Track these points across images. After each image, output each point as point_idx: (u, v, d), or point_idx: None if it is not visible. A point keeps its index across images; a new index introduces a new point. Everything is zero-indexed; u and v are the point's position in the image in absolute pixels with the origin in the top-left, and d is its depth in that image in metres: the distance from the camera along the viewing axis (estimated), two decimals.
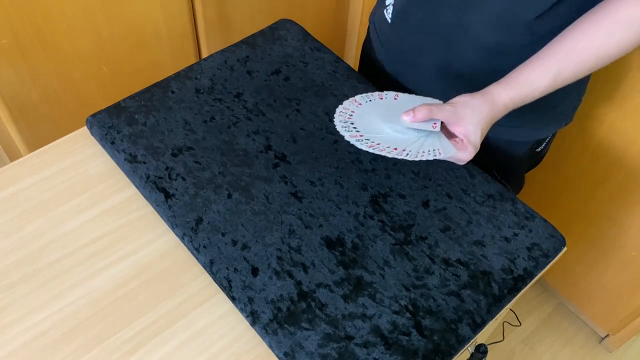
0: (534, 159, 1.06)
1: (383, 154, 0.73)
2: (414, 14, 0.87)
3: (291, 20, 1.05)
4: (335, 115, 0.80)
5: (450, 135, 0.75)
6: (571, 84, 0.91)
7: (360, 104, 0.81)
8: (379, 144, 0.75)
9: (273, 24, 1.04)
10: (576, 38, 0.72)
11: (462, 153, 0.73)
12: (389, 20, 0.92)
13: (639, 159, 1.20)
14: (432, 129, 0.74)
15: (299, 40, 1.02)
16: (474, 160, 0.89)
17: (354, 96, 0.82)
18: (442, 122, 0.75)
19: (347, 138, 0.76)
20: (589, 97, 1.21)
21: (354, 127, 0.78)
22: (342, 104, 0.81)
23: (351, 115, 0.80)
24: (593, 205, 1.36)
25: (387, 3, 0.93)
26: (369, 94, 0.83)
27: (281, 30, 1.03)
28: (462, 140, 0.73)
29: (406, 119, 0.74)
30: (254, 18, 1.48)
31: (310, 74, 0.96)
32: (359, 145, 0.74)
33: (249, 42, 1.01)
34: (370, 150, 0.74)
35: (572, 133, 1.29)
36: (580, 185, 1.35)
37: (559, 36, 0.73)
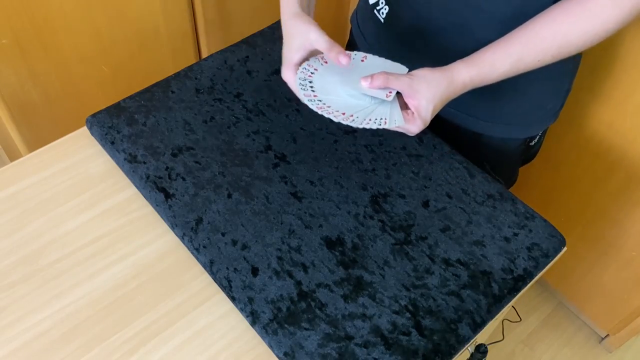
0: (528, 153, 1.06)
1: (330, 117, 0.73)
2: (408, 12, 0.87)
3: None
4: (298, 71, 0.78)
5: (404, 106, 0.75)
6: (557, 82, 0.91)
7: (326, 62, 0.80)
8: (329, 106, 0.74)
9: (273, 24, 1.04)
10: (542, 24, 0.72)
11: (411, 125, 0.74)
12: (382, 20, 0.92)
13: (639, 159, 1.20)
14: (385, 98, 0.75)
15: None
16: (466, 154, 0.89)
17: None
18: (398, 92, 0.75)
19: (300, 96, 0.75)
20: (589, 97, 1.21)
21: (311, 86, 0.77)
22: (308, 60, 0.79)
23: (313, 73, 0.78)
24: (593, 205, 1.36)
25: (376, 2, 0.92)
26: (352, 53, 0.81)
27: (281, 30, 1.03)
28: (412, 113, 0.74)
29: (364, 84, 0.74)
30: (254, 18, 1.48)
31: None
32: (310, 105, 0.74)
33: (249, 42, 1.01)
34: (319, 112, 0.74)
35: (573, 133, 1.29)
36: (580, 185, 1.35)
37: (527, 21, 0.74)
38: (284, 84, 0.84)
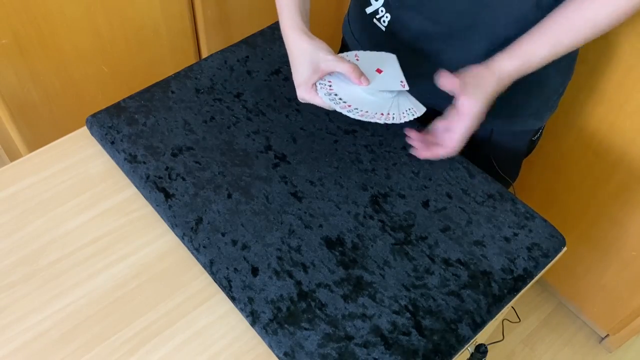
0: (531, 147, 1.07)
1: (374, 120, 0.78)
2: (415, 18, 0.87)
3: None
4: (317, 89, 0.80)
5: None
6: (561, 69, 0.92)
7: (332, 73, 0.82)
8: (367, 111, 0.78)
9: (273, 24, 1.04)
10: (573, 8, 0.74)
11: (463, 124, 0.78)
12: (383, 29, 0.92)
13: (639, 159, 1.20)
14: (401, 88, 0.80)
15: None
16: (476, 154, 0.89)
17: None
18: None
19: (338, 110, 0.78)
20: (590, 97, 1.21)
21: (340, 98, 0.79)
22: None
23: (331, 86, 0.81)
24: (593, 205, 1.36)
25: (375, 11, 0.92)
26: (345, 54, 0.85)
27: (281, 30, 1.03)
28: (458, 111, 0.78)
29: (446, 85, 0.78)
30: (254, 18, 1.48)
31: None
32: (351, 115, 0.78)
33: (249, 42, 1.01)
34: (362, 119, 0.78)
35: (573, 133, 1.29)
36: (580, 185, 1.35)
37: (558, 7, 0.75)
38: (284, 84, 0.84)
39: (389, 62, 0.84)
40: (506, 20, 0.79)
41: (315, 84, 0.79)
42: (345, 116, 0.90)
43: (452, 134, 0.81)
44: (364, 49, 0.99)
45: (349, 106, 0.78)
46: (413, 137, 0.87)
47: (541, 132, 1.04)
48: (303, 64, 0.77)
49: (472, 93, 0.76)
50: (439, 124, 0.84)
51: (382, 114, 0.78)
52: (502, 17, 0.80)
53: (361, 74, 0.77)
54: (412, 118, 0.78)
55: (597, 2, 0.73)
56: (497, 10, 0.79)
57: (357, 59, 0.84)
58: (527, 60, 0.77)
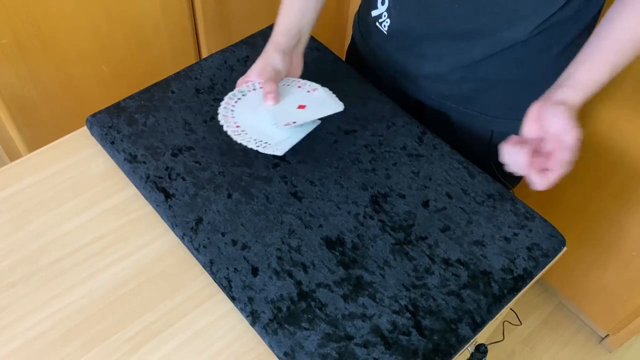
0: None
1: (229, 131, 0.81)
2: (416, 23, 0.87)
3: None
4: (220, 116, 0.83)
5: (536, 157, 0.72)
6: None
7: (239, 99, 0.85)
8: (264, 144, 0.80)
9: (273, 24, 1.04)
10: (623, 30, 0.72)
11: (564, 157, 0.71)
12: (385, 32, 0.92)
13: (639, 159, 1.20)
14: (275, 125, 0.82)
15: None
16: (475, 158, 0.89)
17: (327, 93, 0.86)
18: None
19: (221, 116, 0.82)
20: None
21: (233, 116, 0.83)
22: (223, 100, 0.85)
23: (237, 100, 0.85)
24: (593, 205, 1.36)
25: (379, 15, 0.92)
26: (253, 83, 0.86)
27: None
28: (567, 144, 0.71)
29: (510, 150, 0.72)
30: (254, 18, 1.48)
31: (310, 74, 0.96)
32: (223, 123, 0.82)
33: (249, 42, 1.01)
34: (222, 123, 0.81)
35: None
36: (581, 185, 1.35)
37: (601, 27, 0.73)
38: None
39: (299, 94, 0.85)
40: (508, 25, 0.79)
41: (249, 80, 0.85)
42: (345, 116, 0.90)
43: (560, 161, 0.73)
44: (370, 48, 0.99)
45: (238, 126, 0.82)
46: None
47: None
48: (258, 61, 0.85)
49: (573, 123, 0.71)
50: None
51: (238, 127, 0.81)
52: (503, 22, 0.79)
53: (271, 94, 0.82)
54: (256, 148, 0.79)
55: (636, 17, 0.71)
56: (498, 15, 0.79)
57: (312, 92, 0.86)
58: (589, 90, 0.73)
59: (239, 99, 0.84)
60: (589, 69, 0.73)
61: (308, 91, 0.85)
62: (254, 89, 0.85)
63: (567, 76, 0.74)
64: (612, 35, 0.73)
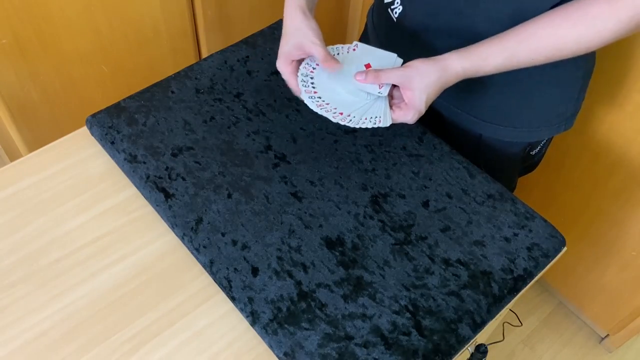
0: (528, 162, 1.06)
1: (328, 115, 0.76)
2: (419, 14, 0.87)
3: None
4: (300, 66, 0.81)
5: (400, 97, 0.78)
6: (566, 89, 0.91)
7: None
8: (328, 103, 0.78)
9: (273, 24, 1.04)
10: (540, 24, 0.73)
11: (405, 116, 0.77)
12: (394, 19, 0.92)
13: (639, 159, 1.20)
14: (377, 94, 0.78)
15: None
16: (466, 156, 0.89)
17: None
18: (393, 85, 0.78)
19: (302, 95, 0.79)
20: (589, 97, 1.21)
21: (312, 82, 0.80)
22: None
23: (314, 68, 0.81)
24: (593, 205, 1.36)
25: (392, 1, 0.93)
26: (340, 46, 0.84)
27: (281, 30, 1.03)
28: (405, 104, 0.77)
29: (358, 79, 0.77)
30: (254, 18, 1.48)
31: None
32: (309, 103, 0.78)
33: (249, 42, 1.01)
34: (318, 110, 0.77)
35: (572, 133, 1.28)
36: (580, 185, 1.35)
37: (526, 21, 0.74)
38: (284, 84, 0.84)
39: (385, 62, 0.82)
40: (495, 23, 0.79)
41: (296, 61, 0.81)
42: None
43: (403, 120, 0.79)
44: (380, 37, 0.99)
45: (315, 92, 0.78)
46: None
47: (542, 149, 1.03)
48: (290, 38, 0.80)
49: (415, 87, 0.75)
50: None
51: (341, 113, 0.77)
52: (491, 20, 0.79)
53: (330, 60, 0.77)
54: (371, 127, 0.76)
55: (568, 22, 0.71)
56: (492, 10, 0.79)
57: (355, 49, 0.83)
58: (477, 64, 0.75)
59: (313, 68, 0.81)
60: (488, 47, 0.75)
61: (354, 49, 0.83)
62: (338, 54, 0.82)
63: (468, 46, 0.77)
64: (528, 27, 0.74)
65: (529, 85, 0.87)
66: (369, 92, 0.79)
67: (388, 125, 0.77)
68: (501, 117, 0.91)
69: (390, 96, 0.80)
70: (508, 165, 1.02)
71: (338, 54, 0.83)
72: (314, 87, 0.79)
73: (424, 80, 0.75)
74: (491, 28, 0.80)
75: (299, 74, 0.80)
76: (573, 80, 0.91)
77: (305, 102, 0.78)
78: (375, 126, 0.76)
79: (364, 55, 0.83)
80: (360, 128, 0.81)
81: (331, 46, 0.83)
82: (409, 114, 0.77)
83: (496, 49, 0.75)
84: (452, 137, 0.95)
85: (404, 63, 0.82)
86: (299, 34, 0.79)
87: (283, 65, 0.81)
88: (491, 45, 0.75)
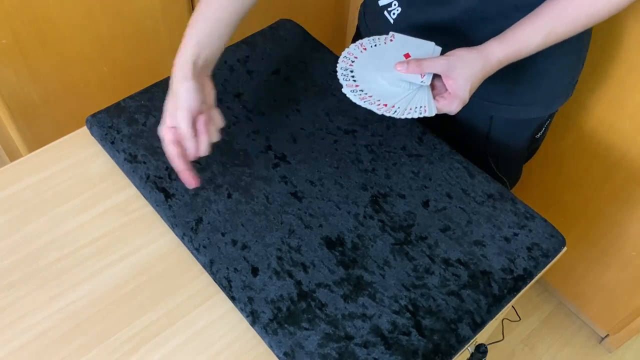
0: (533, 146, 1.06)
1: (372, 108, 0.75)
2: (421, 14, 0.87)
3: (291, 20, 1.05)
4: (338, 60, 0.80)
5: (442, 87, 0.78)
6: (571, 58, 0.91)
7: (365, 49, 0.81)
8: (371, 96, 0.76)
9: (273, 24, 1.04)
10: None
11: (449, 105, 0.76)
12: (391, 21, 0.92)
13: (638, 159, 1.20)
14: (420, 83, 0.77)
15: (298, 40, 1.02)
16: (474, 150, 0.89)
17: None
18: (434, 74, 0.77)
19: (344, 89, 0.77)
20: (590, 97, 1.21)
21: (352, 76, 0.79)
22: (348, 47, 0.81)
23: (353, 61, 0.80)
24: (593, 205, 1.36)
25: (389, 3, 0.93)
26: (377, 37, 0.83)
27: (281, 30, 1.03)
28: (449, 93, 0.76)
29: (400, 69, 0.76)
30: (254, 18, 1.48)
31: (310, 74, 0.96)
32: (352, 96, 0.76)
33: (249, 42, 1.01)
34: (361, 103, 0.76)
35: (573, 132, 1.29)
36: (580, 185, 1.35)
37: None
38: (284, 84, 0.84)
39: (423, 51, 0.80)
40: (515, 14, 0.79)
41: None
42: (345, 116, 0.90)
43: (448, 110, 0.79)
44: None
45: (356, 86, 0.77)
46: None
47: (544, 131, 1.04)
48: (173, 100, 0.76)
49: (458, 76, 0.75)
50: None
51: (385, 105, 0.76)
52: (508, 11, 0.79)
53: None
54: (417, 116, 0.75)
55: None
56: (504, 3, 0.79)
57: (392, 40, 0.82)
58: (518, 47, 0.76)
59: (352, 61, 0.80)
60: (524, 28, 0.75)
61: (391, 39, 0.82)
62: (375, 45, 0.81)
63: (505, 31, 0.77)
64: (556, 2, 0.74)
65: (543, 61, 0.87)
66: (411, 81, 0.77)
67: (433, 114, 0.76)
68: (513, 95, 0.91)
69: (431, 86, 0.79)
70: (517, 154, 1.02)
71: (375, 45, 0.82)
72: (354, 81, 0.78)
73: (468, 69, 0.74)
74: (507, 18, 0.80)
75: (337, 67, 0.79)
76: (579, 47, 0.92)
77: (347, 95, 0.77)
78: (421, 116, 0.75)
79: (401, 45, 0.81)
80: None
81: (367, 38, 0.82)
82: (453, 104, 0.76)
83: (534, 29, 0.75)
84: (460, 127, 0.95)
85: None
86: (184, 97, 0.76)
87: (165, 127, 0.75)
88: (527, 27, 0.75)
